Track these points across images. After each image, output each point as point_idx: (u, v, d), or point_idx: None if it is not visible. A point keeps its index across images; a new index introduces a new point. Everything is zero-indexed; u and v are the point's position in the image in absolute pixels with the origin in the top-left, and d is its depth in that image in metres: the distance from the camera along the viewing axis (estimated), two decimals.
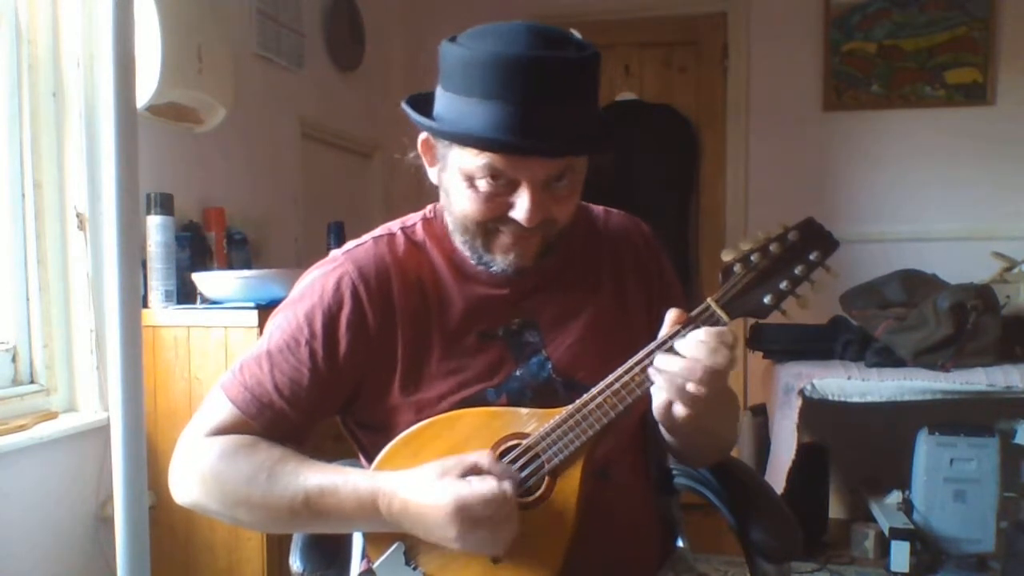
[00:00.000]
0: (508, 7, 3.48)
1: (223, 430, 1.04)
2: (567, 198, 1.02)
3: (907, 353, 2.62)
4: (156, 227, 1.95)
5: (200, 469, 1.02)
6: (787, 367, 2.80)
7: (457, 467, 0.93)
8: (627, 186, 3.43)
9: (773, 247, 0.98)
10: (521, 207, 0.98)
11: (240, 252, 2.31)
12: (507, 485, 0.91)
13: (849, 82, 3.40)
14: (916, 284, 2.80)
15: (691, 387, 0.93)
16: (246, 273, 1.97)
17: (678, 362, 0.94)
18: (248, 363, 1.07)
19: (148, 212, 1.94)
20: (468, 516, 0.90)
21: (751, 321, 3.03)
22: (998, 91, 3.28)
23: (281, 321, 1.08)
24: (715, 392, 0.94)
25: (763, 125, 3.51)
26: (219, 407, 1.06)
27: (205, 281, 1.96)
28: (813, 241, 0.99)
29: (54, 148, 1.91)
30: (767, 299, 0.98)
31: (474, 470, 0.93)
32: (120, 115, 1.52)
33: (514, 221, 0.99)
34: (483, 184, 0.98)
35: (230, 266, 2.24)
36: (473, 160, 0.97)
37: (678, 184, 3.59)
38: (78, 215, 1.93)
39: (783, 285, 0.98)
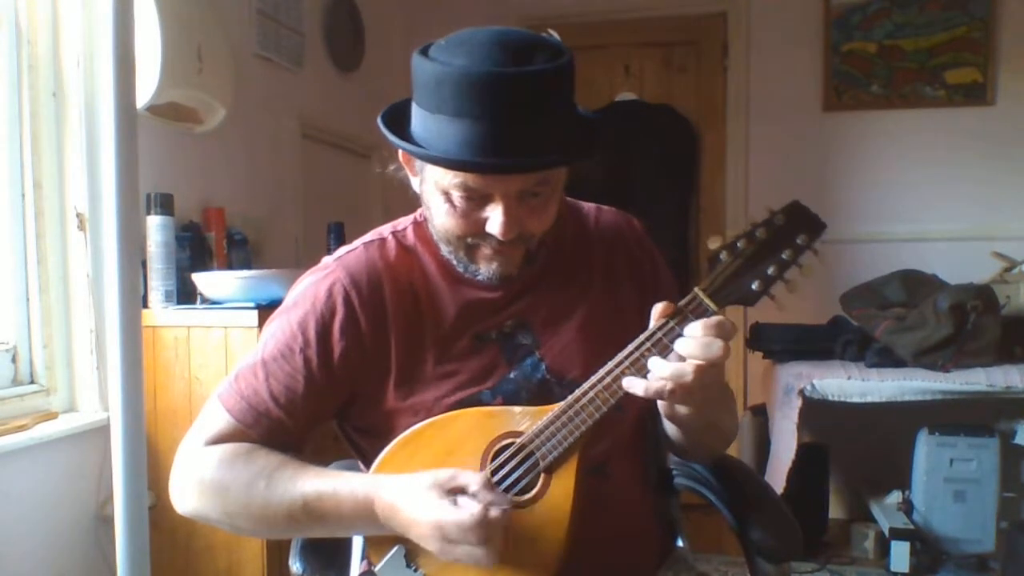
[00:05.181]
0: (507, 8, 3.49)
1: (221, 439, 1.05)
2: (543, 208, 1.02)
3: (907, 353, 2.62)
4: (156, 227, 1.95)
5: (199, 478, 1.03)
6: (787, 367, 2.80)
7: (447, 483, 0.93)
8: (627, 186, 3.44)
9: (759, 232, 0.97)
10: (495, 221, 0.98)
11: (240, 252, 2.31)
12: (494, 510, 0.90)
13: (849, 82, 3.40)
14: (916, 284, 2.80)
15: (688, 384, 0.93)
16: (246, 273, 1.97)
17: (669, 366, 0.93)
18: (244, 372, 1.07)
19: (148, 212, 1.94)
20: (445, 537, 0.91)
21: (751, 321, 3.03)
22: (998, 91, 3.28)
23: (275, 329, 1.09)
24: (713, 385, 0.94)
25: (763, 125, 3.51)
26: (216, 417, 1.06)
27: (205, 281, 1.96)
28: (800, 224, 0.97)
29: (54, 148, 1.91)
30: (755, 285, 0.97)
31: (463, 490, 0.92)
32: (120, 115, 1.52)
33: (492, 235, 1.00)
34: (458, 200, 0.99)
35: (230, 266, 2.23)
36: (447, 177, 0.98)
37: (678, 184, 3.59)
38: (78, 215, 1.92)
39: (770, 270, 0.97)
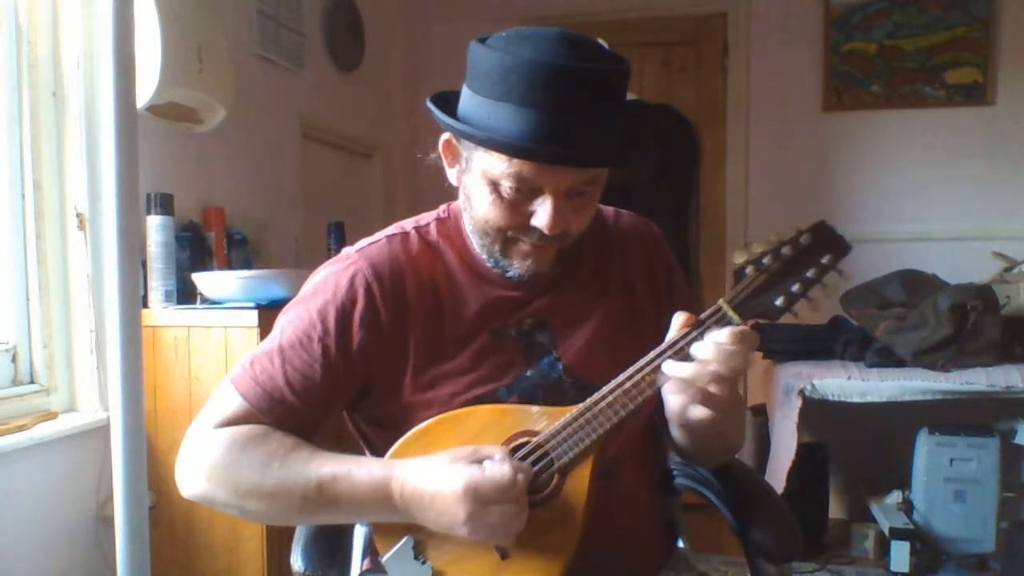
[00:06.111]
0: (508, 8, 3.49)
1: (233, 423, 1.04)
2: (585, 209, 1.03)
3: (907, 353, 2.62)
4: (156, 227, 1.95)
5: (210, 459, 1.02)
6: (787, 367, 2.80)
7: (471, 455, 0.95)
8: (627, 186, 3.44)
9: (785, 250, 0.98)
10: (543, 215, 0.98)
11: (240, 252, 2.31)
12: (520, 473, 0.92)
13: (849, 82, 3.40)
14: (916, 284, 2.80)
15: (710, 389, 0.94)
16: (246, 273, 1.97)
17: (690, 367, 0.94)
18: (259, 358, 1.07)
19: (148, 212, 1.94)
20: (478, 498, 0.91)
21: (751, 321, 3.03)
22: (998, 91, 3.28)
23: (293, 317, 1.08)
24: (731, 393, 0.94)
25: (763, 125, 3.51)
26: (229, 400, 1.06)
27: (205, 281, 1.96)
28: (825, 244, 0.99)
29: (54, 148, 1.91)
30: (779, 301, 0.99)
31: (488, 459, 0.94)
32: (120, 115, 1.52)
33: (534, 230, 1.00)
34: (507, 190, 0.99)
35: (230, 266, 2.23)
36: (500, 165, 0.97)
37: (678, 184, 3.59)
38: (78, 215, 1.92)
39: (795, 288, 0.98)
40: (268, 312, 1.84)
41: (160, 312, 1.94)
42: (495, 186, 0.99)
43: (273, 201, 2.70)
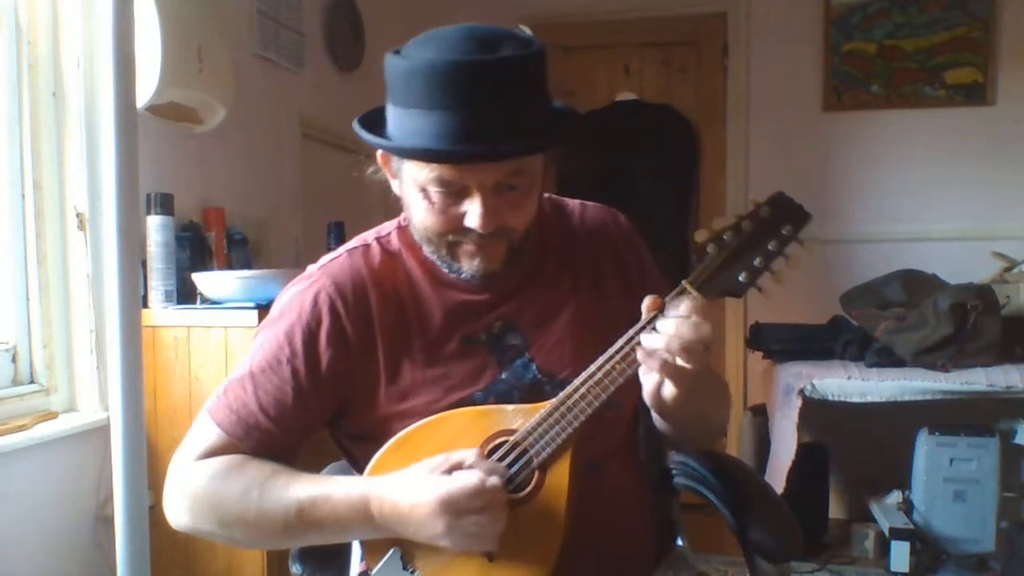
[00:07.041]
0: (507, 7, 3.49)
1: (212, 453, 1.05)
2: (521, 202, 1.02)
3: (907, 353, 2.62)
4: (156, 227, 1.95)
5: (192, 492, 1.03)
6: (787, 367, 2.80)
7: (443, 464, 0.94)
8: (627, 186, 3.44)
9: (745, 224, 0.97)
10: (474, 214, 0.98)
11: (240, 252, 2.31)
12: (492, 477, 0.92)
13: (849, 82, 3.40)
14: (916, 284, 2.80)
15: (677, 362, 0.93)
16: (246, 273, 1.97)
17: (661, 339, 0.93)
18: (232, 385, 1.07)
19: (148, 212, 1.94)
20: (453, 509, 0.91)
21: (751, 321, 3.03)
22: (998, 91, 3.28)
23: (262, 341, 1.09)
24: (701, 367, 0.93)
25: (763, 125, 3.51)
26: (207, 431, 1.06)
27: (205, 281, 1.96)
28: (785, 215, 0.98)
29: (54, 148, 1.91)
30: (742, 277, 0.97)
31: (459, 466, 0.94)
32: (120, 115, 1.51)
33: (471, 230, 0.99)
34: (436, 195, 0.99)
35: (230, 266, 2.24)
36: (423, 172, 0.98)
37: (678, 184, 3.59)
38: (78, 215, 1.93)
39: (757, 262, 0.97)
40: (268, 312, 1.84)
41: (160, 312, 1.93)
42: (425, 192, 0.99)
43: (273, 201, 2.70)
